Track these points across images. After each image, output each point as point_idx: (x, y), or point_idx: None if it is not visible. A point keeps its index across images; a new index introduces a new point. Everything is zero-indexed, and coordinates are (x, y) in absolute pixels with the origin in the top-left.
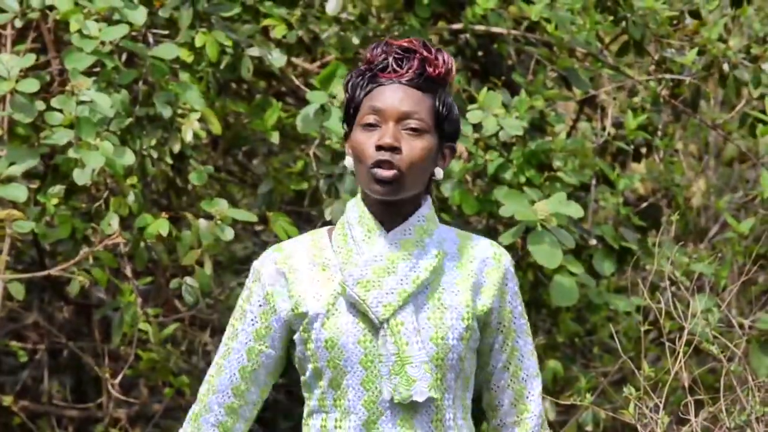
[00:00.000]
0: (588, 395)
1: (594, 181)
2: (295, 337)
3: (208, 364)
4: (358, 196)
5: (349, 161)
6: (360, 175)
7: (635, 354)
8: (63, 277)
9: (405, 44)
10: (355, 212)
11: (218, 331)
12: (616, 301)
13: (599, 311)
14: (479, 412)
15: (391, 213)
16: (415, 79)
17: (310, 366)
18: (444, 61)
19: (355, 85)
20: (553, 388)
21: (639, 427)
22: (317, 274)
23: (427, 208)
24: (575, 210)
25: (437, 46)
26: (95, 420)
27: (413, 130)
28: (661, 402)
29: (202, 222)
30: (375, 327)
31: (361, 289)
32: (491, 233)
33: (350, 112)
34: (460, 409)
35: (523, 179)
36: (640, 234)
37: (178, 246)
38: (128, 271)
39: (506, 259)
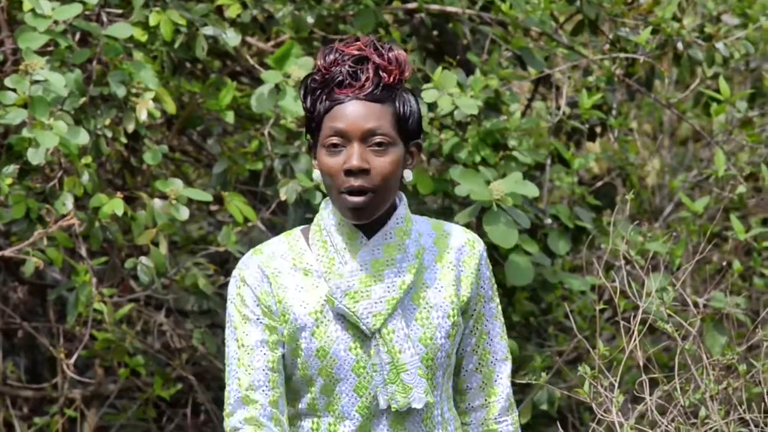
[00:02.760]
0: (543, 374)
1: (549, 161)
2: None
3: (164, 344)
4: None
5: (317, 174)
6: (331, 196)
7: (590, 333)
8: (17, 258)
9: (356, 52)
10: (333, 219)
11: (173, 311)
12: (570, 280)
13: (554, 290)
14: None
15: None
16: (373, 91)
17: (298, 372)
18: (398, 62)
19: (313, 99)
20: None
21: (594, 406)
22: (300, 279)
23: (403, 208)
24: (530, 189)
25: (387, 43)
26: (50, 400)
27: (378, 145)
28: (615, 381)
29: (157, 202)
30: (365, 335)
31: (350, 301)
32: (447, 213)
33: (312, 125)
34: (445, 402)
35: (478, 158)
36: (595, 213)
37: (133, 226)
38: (83, 251)
39: (480, 245)
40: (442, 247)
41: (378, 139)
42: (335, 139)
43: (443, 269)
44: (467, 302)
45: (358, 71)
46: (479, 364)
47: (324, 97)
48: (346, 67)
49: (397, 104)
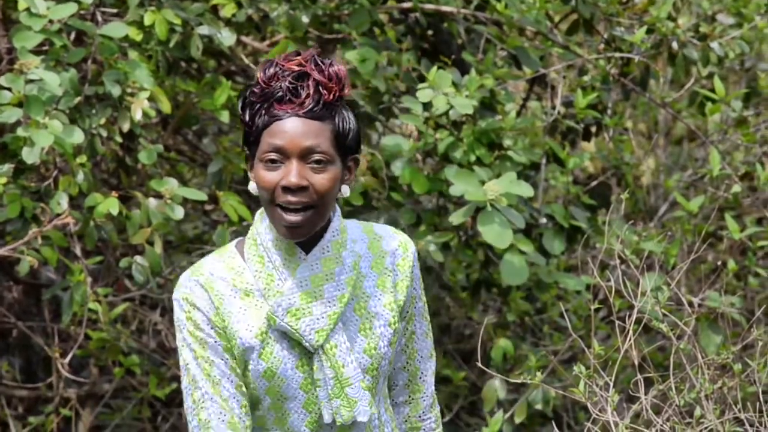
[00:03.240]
0: (538, 374)
1: (544, 160)
2: None
3: (159, 343)
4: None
5: (253, 186)
6: (267, 211)
7: (585, 332)
8: (12, 257)
9: (296, 67)
10: (270, 234)
11: (168, 311)
12: (566, 279)
13: (549, 290)
14: None
15: None
16: (313, 109)
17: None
18: (338, 78)
19: (252, 113)
20: (503, 367)
21: (589, 405)
22: (242, 302)
23: (338, 220)
24: (525, 189)
25: (329, 60)
26: (45, 400)
27: (317, 162)
28: (611, 380)
29: (152, 201)
30: (307, 352)
31: (292, 318)
32: (441, 212)
33: (250, 139)
34: (382, 405)
35: (473, 158)
36: (590, 213)
37: (128, 225)
38: (78, 251)
39: (412, 247)
40: (376, 252)
41: (317, 157)
42: (273, 155)
43: (380, 276)
44: (403, 306)
45: (299, 87)
46: (407, 363)
47: (263, 111)
48: (287, 82)
49: (336, 121)
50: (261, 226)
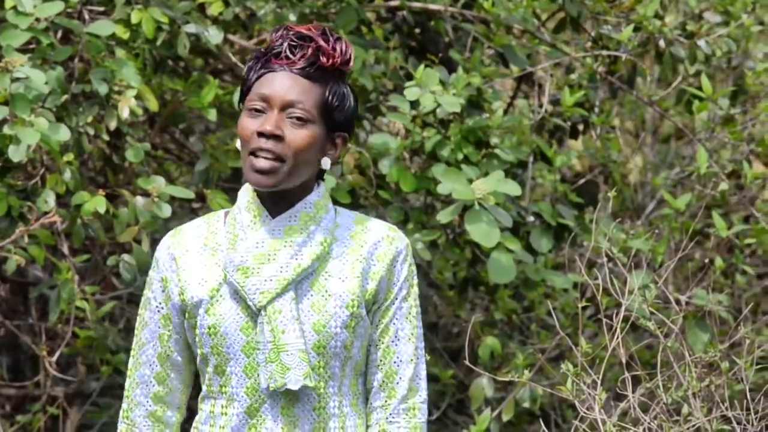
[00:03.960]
0: (526, 372)
1: (531, 159)
2: (184, 322)
3: None
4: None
5: (238, 143)
6: (243, 160)
7: (573, 330)
8: None
9: (303, 31)
10: (245, 198)
11: None
12: (553, 278)
13: (537, 288)
14: None
15: (277, 200)
16: (306, 68)
17: (198, 351)
18: (341, 51)
19: (250, 67)
20: (490, 365)
21: (577, 403)
22: (206, 258)
23: (317, 195)
24: (513, 188)
25: (338, 35)
26: (32, 398)
27: (297, 119)
28: (598, 378)
29: (139, 199)
30: (255, 314)
31: (241, 276)
32: (429, 210)
33: (243, 91)
34: (348, 396)
35: (460, 156)
36: (578, 211)
37: (115, 223)
38: (65, 249)
39: (400, 243)
40: (357, 241)
41: (297, 112)
42: (258, 104)
43: (352, 262)
44: (374, 295)
45: (299, 47)
46: (381, 362)
47: (260, 65)
48: (288, 41)
49: (327, 88)
50: (242, 192)
